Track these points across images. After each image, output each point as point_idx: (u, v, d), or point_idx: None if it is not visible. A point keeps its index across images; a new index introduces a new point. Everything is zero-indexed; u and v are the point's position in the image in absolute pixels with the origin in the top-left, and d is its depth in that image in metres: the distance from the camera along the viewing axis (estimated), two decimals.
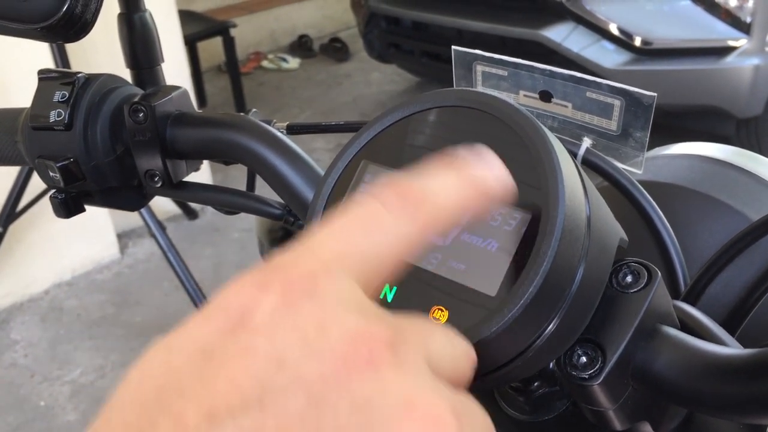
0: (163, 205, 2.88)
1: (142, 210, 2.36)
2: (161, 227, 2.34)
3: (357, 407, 0.20)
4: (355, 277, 0.23)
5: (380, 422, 0.20)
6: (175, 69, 2.81)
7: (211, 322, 0.21)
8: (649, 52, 2.87)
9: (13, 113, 0.54)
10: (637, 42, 2.87)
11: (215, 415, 0.19)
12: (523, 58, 0.49)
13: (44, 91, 0.50)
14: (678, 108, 2.91)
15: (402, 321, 0.23)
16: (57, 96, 0.49)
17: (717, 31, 2.76)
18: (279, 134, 0.49)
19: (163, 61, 0.55)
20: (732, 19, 2.73)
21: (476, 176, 0.27)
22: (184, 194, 0.54)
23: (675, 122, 3.00)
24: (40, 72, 0.51)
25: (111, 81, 0.52)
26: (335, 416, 0.20)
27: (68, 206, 0.53)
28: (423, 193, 0.25)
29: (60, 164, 0.49)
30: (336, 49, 4.97)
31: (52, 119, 0.49)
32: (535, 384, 0.40)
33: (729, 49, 2.75)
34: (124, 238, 2.86)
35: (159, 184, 0.52)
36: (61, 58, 2.21)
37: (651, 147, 0.56)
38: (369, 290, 0.24)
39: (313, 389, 0.20)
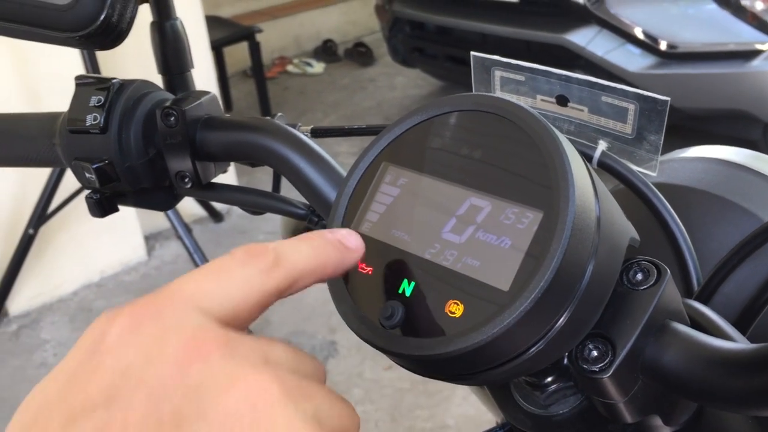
0: (189, 207, 2.92)
1: (169, 212, 2.40)
2: (187, 229, 2.38)
3: (190, 393, 0.24)
4: (204, 313, 0.27)
5: (210, 400, 0.24)
6: (202, 74, 2.85)
7: (75, 353, 0.27)
8: (674, 56, 2.85)
9: (51, 117, 0.56)
10: (663, 46, 2.85)
11: (72, 418, 0.24)
12: (547, 63, 0.50)
13: (81, 96, 0.52)
14: (704, 112, 2.89)
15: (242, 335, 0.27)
16: (93, 101, 0.51)
17: (743, 34, 2.74)
18: (304, 137, 0.51)
19: (193, 67, 0.58)
20: (759, 22, 2.71)
21: (330, 239, 0.32)
22: (213, 195, 0.56)
23: (701, 126, 2.98)
24: (77, 78, 0.53)
25: (144, 86, 0.54)
26: (171, 404, 0.24)
27: (103, 206, 0.55)
28: (275, 254, 0.30)
29: (96, 166, 0.51)
30: (360, 54, 5.00)
31: (88, 123, 0.51)
32: (550, 379, 0.41)
33: (756, 53, 2.73)
34: (151, 240, 2.90)
35: (189, 185, 0.54)
36: (92, 64, 2.26)
37: (666, 151, 0.57)
38: (225, 323, 0.27)
39: (153, 388, 0.25)
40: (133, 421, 0.24)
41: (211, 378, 0.25)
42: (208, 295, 0.27)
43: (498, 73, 0.52)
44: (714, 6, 2.79)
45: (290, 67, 4.93)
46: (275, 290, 0.29)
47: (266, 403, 0.25)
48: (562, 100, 0.50)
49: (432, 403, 2.02)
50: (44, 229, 2.42)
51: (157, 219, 2.83)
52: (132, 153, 0.52)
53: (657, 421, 0.39)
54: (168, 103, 0.52)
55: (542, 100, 0.51)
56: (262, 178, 2.97)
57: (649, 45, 2.88)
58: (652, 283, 0.36)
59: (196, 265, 2.28)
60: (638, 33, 2.89)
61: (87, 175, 0.52)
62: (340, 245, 0.33)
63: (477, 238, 0.34)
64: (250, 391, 0.25)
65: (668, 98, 0.45)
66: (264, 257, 0.29)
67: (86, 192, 0.56)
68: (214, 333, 0.26)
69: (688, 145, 0.64)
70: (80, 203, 2.40)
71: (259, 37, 3.94)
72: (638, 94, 0.46)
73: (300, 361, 0.28)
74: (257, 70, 4.02)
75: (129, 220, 2.71)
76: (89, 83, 0.53)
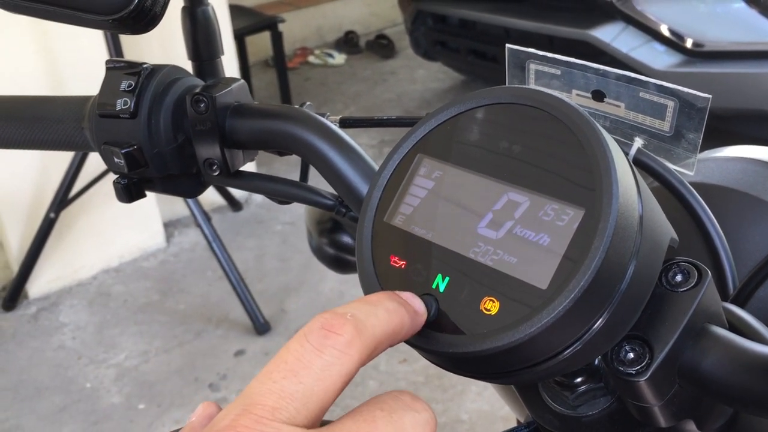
0: (208, 196, 2.93)
1: (189, 200, 2.41)
2: (207, 217, 2.38)
3: None
4: (293, 421, 0.26)
5: None
6: (224, 62, 2.85)
7: None
8: (700, 55, 2.82)
9: (80, 101, 0.56)
10: (689, 44, 2.82)
11: None
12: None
13: (111, 80, 0.52)
14: (730, 112, 2.85)
15: None
16: (123, 85, 0.51)
17: None
18: (334, 127, 0.50)
19: (223, 53, 0.57)
20: None
21: (402, 302, 0.31)
22: (241, 183, 0.55)
23: (726, 127, 2.94)
24: (108, 62, 0.53)
25: (174, 72, 0.53)
26: None
27: (130, 191, 0.55)
28: (353, 325, 0.28)
29: (125, 151, 0.51)
30: (382, 46, 4.98)
31: (118, 107, 0.51)
32: (580, 379, 0.40)
33: None
34: (170, 227, 2.91)
35: (217, 173, 0.54)
36: (116, 48, 2.26)
37: (700, 150, 0.56)
38: (311, 421, 0.26)
39: None
40: None
41: None
42: (291, 404, 0.26)
43: (533, 67, 0.51)
44: (742, 4, 2.75)
45: (312, 58, 4.93)
46: (357, 368, 0.28)
47: None
48: (599, 96, 0.49)
49: (446, 398, 2.01)
50: (65, 214, 2.44)
51: (177, 206, 2.84)
52: (161, 139, 0.52)
53: (691, 425, 0.38)
54: (198, 90, 0.52)
55: (577, 94, 0.50)
56: (280, 168, 2.97)
57: (674, 43, 2.84)
58: (692, 285, 0.35)
59: (214, 254, 2.28)
60: (664, 30, 2.85)
61: (116, 160, 0.52)
62: (410, 308, 0.32)
63: (514, 234, 0.33)
64: None
65: (709, 96, 0.44)
66: (341, 333, 0.28)
67: (113, 177, 0.55)
68: None
69: (712, 147, 0.62)
70: (101, 188, 2.42)
71: (281, 27, 3.94)
72: (678, 90, 0.45)
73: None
74: (279, 60, 4.02)
75: (149, 206, 2.72)
76: (120, 67, 0.52)
